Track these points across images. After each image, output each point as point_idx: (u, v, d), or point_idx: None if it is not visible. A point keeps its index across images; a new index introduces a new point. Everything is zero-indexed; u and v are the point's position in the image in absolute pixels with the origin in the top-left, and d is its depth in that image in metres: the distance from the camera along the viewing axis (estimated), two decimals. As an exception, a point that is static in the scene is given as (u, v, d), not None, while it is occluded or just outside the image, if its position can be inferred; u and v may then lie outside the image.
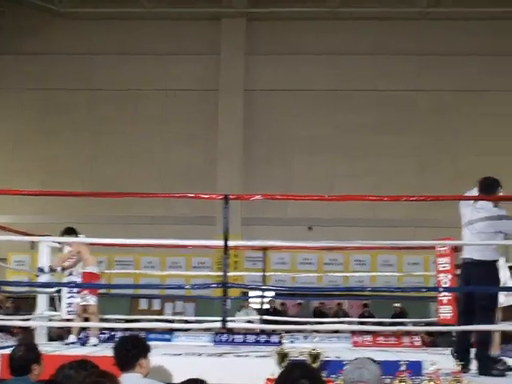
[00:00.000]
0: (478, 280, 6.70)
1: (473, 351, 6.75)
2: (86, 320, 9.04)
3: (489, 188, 6.87)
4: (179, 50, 20.56)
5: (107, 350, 5.83)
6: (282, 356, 5.83)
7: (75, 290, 9.16)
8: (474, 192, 6.97)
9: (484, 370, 6.44)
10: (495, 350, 7.12)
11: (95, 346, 8.62)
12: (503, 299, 7.50)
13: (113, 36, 20.68)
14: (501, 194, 6.93)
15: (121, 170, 20.06)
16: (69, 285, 8.78)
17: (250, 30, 20.58)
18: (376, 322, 12.82)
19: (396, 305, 17.32)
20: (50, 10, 20.45)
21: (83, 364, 4.73)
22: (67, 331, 9.44)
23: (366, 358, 4.20)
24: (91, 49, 20.64)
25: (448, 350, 7.20)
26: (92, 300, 8.86)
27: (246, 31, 20.55)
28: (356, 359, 4.19)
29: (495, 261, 6.77)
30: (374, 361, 4.25)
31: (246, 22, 20.58)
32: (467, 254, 6.88)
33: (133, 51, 20.60)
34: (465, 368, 6.32)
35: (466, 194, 7.10)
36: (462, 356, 6.53)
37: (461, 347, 6.82)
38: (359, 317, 17.46)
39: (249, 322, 13.01)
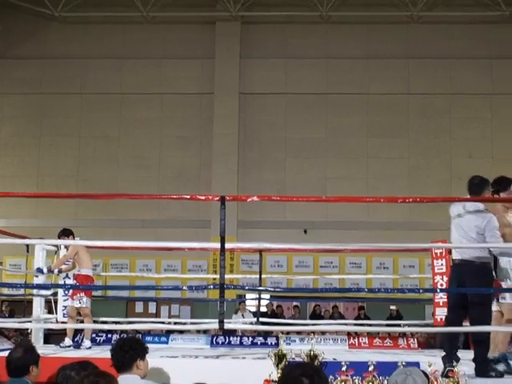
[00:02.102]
0: (471, 278, 6.53)
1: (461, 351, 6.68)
2: (81, 322, 9.03)
3: (476, 188, 6.77)
4: (174, 53, 20.55)
5: (104, 352, 5.83)
6: (280, 357, 5.83)
7: (70, 292, 9.15)
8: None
9: (482, 373, 6.30)
10: (503, 349, 6.98)
11: (89, 348, 8.63)
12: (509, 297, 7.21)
13: (107, 40, 20.66)
14: (489, 193, 6.80)
15: (115, 174, 20.04)
16: (66, 286, 8.75)
17: (244, 34, 20.58)
18: (372, 324, 12.81)
19: (392, 307, 17.36)
20: (44, 15, 20.43)
21: (84, 365, 4.72)
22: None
23: (417, 368, 4.24)
24: (86, 53, 20.59)
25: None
26: (87, 302, 8.85)
27: (241, 35, 20.55)
28: (406, 366, 4.24)
29: (488, 261, 6.58)
30: (425, 374, 4.29)
31: (241, 25, 20.59)
32: (458, 254, 6.72)
33: (128, 55, 20.59)
34: (453, 367, 6.23)
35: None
36: (451, 356, 6.45)
37: (451, 346, 6.66)
38: (355, 319, 17.49)
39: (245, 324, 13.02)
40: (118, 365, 5.00)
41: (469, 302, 6.56)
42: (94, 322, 10.34)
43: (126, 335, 8.40)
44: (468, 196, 6.84)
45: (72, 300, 8.96)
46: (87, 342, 8.75)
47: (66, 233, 9.02)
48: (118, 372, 4.94)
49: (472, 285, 6.53)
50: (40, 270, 9.09)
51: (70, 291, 9.10)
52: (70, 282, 9.44)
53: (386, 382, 5.47)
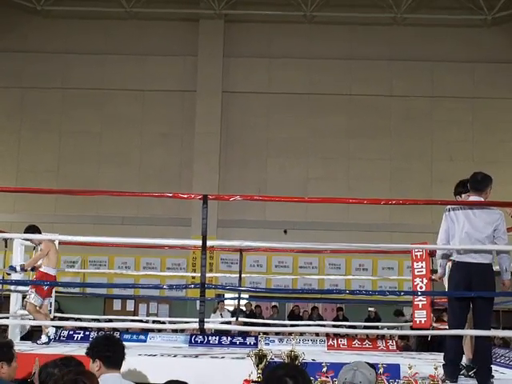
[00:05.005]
0: (481, 283, 6.29)
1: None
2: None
3: (480, 184, 6.57)
4: (157, 50, 20.44)
5: (82, 350, 5.77)
6: (260, 358, 5.80)
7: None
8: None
9: (484, 380, 6.13)
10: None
11: (46, 343, 8.52)
12: None
13: (90, 35, 20.51)
14: (490, 190, 6.57)
15: (96, 170, 19.91)
16: (44, 283, 8.65)
17: (227, 32, 20.53)
18: (351, 326, 12.81)
19: (370, 309, 17.38)
20: (26, 8, 20.26)
21: (67, 361, 4.65)
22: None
23: (363, 362, 4.22)
24: (67, 47, 20.43)
25: (423, 354, 7.09)
26: (35, 299, 8.68)
27: (224, 33, 20.49)
28: (353, 362, 4.21)
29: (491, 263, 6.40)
30: (371, 365, 4.26)
31: (224, 23, 20.52)
32: (469, 257, 6.36)
33: (110, 51, 20.46)
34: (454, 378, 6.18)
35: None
36: (456, 367, 6.30)
37: (457, 356, 6.42)
38: (333, 320, 17.49)
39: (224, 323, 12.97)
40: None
41: (475, 306, 6.33)
42: (72, 319, 10.28)
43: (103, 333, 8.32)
44: (470, 193, 6.62)
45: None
46: (44, 338, 8.65)
47: (30, 230, 8.82)
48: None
49: (480, 287, 6.28)
50: (13, 268, 8.96)
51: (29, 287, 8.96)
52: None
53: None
